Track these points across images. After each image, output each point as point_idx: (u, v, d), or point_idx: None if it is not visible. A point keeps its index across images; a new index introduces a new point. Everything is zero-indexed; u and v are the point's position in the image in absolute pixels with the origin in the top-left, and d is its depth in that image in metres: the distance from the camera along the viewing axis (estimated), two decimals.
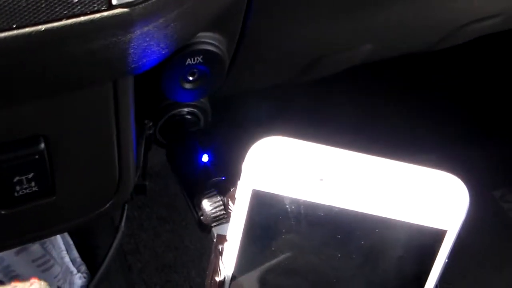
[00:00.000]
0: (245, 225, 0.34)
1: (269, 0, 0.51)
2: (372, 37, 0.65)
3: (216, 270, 0.35)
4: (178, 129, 0.59)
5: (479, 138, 1.25)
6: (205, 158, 0.55)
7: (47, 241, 0.74)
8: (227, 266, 0.35)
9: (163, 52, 0.39)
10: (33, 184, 0.43)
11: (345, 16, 0.59)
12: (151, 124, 0.57)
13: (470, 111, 1.27)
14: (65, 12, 0.31)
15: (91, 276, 0.70)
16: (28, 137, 0.41)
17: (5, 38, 0.30)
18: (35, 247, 0.75)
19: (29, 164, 0.42)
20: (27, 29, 0.30)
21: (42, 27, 0.30)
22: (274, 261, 0.35)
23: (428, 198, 0.32)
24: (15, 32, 0.30)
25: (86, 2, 0.31)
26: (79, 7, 0.31)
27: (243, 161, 0.33)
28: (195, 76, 0.52)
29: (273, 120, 0.63)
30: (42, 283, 0.31)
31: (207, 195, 0.50)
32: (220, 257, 0.36)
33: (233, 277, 0.35)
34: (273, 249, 0.34)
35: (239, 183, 0.33)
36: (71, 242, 0.74)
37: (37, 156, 0.42)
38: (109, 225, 0.80)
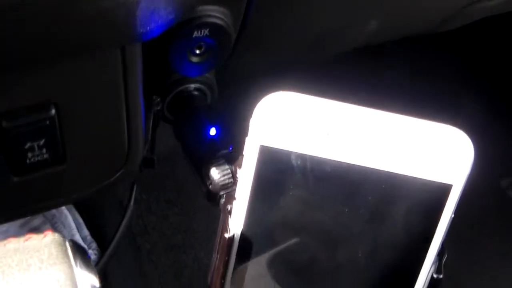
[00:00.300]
0: (253, 182, 0.34)
1: None
2: (376, 15, 0.65)
3: (225, 228, 0.36)
4: (186, 105, 0.59)
5: (485, 128, 1.25)
6: (212, 131, 0.56)
7: (58, 221, 0.75)
8: (236, 223, 0.36)
9: (170, 17, 0.39)
10: (44, 151, 0.44)
11: None
12: (159, 100, 0.58)
13: (482, 99, 1.27)
14: None
15: (102, 254, 0.71)
16: (39, 103, 0.42)
17: None
18: (46, 227, 0.76)
19: (40, 130, 0.43)
20: None
21: None
22: (282, 218, 0.35)
23: (434, 152, 0.33)
24: None
25: None
26: None
27: (250, 117, 0.33)
28: (202, 50, 0.53)
29: (279, 78, 0.63)
30: (56, 234, 0.31)
31: (215, 164, 0.50)
32: (229, 215, 0.36)
33: (242, 234, 0.36)
34: (281, 205, 0.35)
35: (246, 139, 0.34)
36: (81, 220, 0.74)
37: (48, 122, 0.42)
38: (117, 205, 0.81)
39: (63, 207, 0.74)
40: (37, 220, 0.75)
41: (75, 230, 0.73)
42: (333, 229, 0.35)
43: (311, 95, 0.34)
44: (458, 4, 0.70)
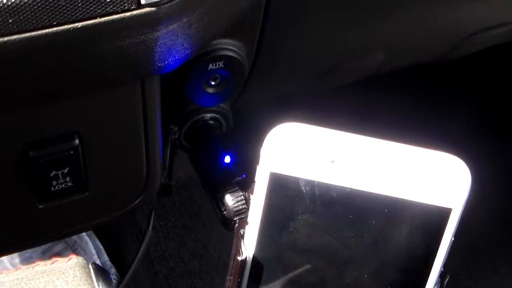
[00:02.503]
0: (264, 207, 0.37)
1: (285, 9, 0.54)
2: (383, 46, 0.68)
3: (238, 251, 0.38)
4: (202, 133, 0.62)
5: (492, 143, 1.26)
6: (227, 159, 0.58)
7: (78, 247, 0.78)
8: (248, 246, 0.38)
9: (186, 52, 0.42)
10: (68, 179, 0.46)
11: (357, 25, 0.62)
12: (176, 129, 0.61)
13: (487, 119, 1.28)
14: (99, 11, 0.34)
15: (121, 279, 0.73)
16: (63, 134, 0.44)
17: (47, 34, 0.33)
18: (67, 253, 0.78)
19: (64, 159, 0.45)
20: (65, 26, 0.34)
21: (79, 24, 0.34)
22: (291, 241, 0.37)
23: (433, 178, 0.35)
24: (55, 29, 0.33)
25: (118, 1, 0.34)
26: (111, 6, 0.34)
27: (261, 147, 0.36)
28: (217, 81, 0.55)
29: (288, 107, 0.65)
30: (80, 257, 0.34)
31: (229, 191, 0.53)
32: (242, 239, 0.38)
33: (254, 257, 0.38)
34: (290, 229, 0.37)
35: (258, 167, 0.36)
36: (101, 246, 0.77)
37: (72, 152, 0.45)
38: (136, 232, 0.83)
39: (84, 234, 0.76)
40: (58, 246, 0.78)
41: (95, 256, 0.75)
42: (339, 251, 0.37)
43: (317, 124, 0.36)
44: (463, 34, 0.72)
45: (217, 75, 0.55)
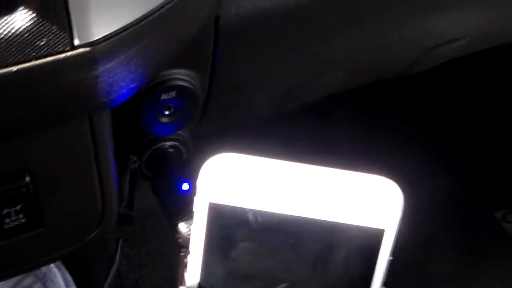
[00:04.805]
0: (205, 236, 0.37)
1: (236, 36, 0.55)
2: (341, 65, 0.69)
3: (181, 281, 0.39)
4: (162, 162, 0.63)
5: (478, 160, 1.28)
6: (185, 186, 0.59)
7: (48, 279, 0.78)
8: (192, 276, 0.39)
9: (131, 86, 0.43)
10: (21, 216, 0.47)
11: (313, 46, 0.63)
12: (136, 158, 0.61)
13: (465, 132, 1.30)
14: (33, 54, 0.35)
15: None
16: (14, 172, 0.45)
17: None
18: (38, 286, 0.78)
19: (16, 196, 0.45)
20: (1, 71, 0.34)
21: (14, 68, 0.35)
22: (234, 268, 0.38)
23: (366, 200, 0.36)
24: None
25: (51, 44, 0.35)
26: (45, 48, 0.35)
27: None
28: (171, 110, 0.56)
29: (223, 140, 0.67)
30: None
31: (183, 219, 0.53)
32: (185, 268, 0.39)
33: (199, 286, 0.39)
34: (232, 257, 0.38)
35: (195, 198, 0.37)
36: (70, 278, 0.77)
37: (24, 189, 0.46)
38: (107, 261, 0.83)
39: (53, 265, 0.76)
40: (28, 279, 0.78)
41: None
42: (281, 276, 0.38)
43: (255, 154, 0.37)
44: (422, 48, 0.74)
45: (170, 104, 0.56)
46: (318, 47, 0.63)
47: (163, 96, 0.54)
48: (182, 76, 0.55)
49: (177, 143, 0.63)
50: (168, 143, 0.63)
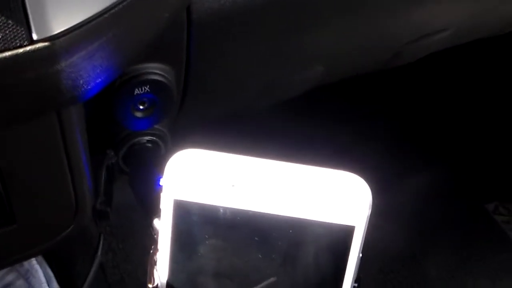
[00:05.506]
0: (171, 234, 0.37)
1: (210, 28, 0.55)
2: (322, 58, 0.68)
3: (150, 278, 0.38)
4: (140, 156, 0.62)
5: (469, 153, 1.28)
6: (162, 182, 0.58)
7: (30, 275, 0.77)
8: (160, 273, 0.38)
9: (97, 81, 0.42)
10: None
11: (292, 38, 0.62)
12: (112, 153, 0.61)
13: (460, 126, 1.30)
14: None
15: None
16: None
17: None
18: (20, 282, 0.77)
19: None
20: None
21: None
22: (202, 265, 0.37)
23: (335, 197, 0.35)
24: None
25: (9, 38, 0.34)
26: (2, 43, 0.34)
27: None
28: (145, 105, 0.56)
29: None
30: None
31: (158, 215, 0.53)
32: (155, 265, 0.38)
33: (167, 283, 0.38)
34: (199, 254, 0.37)
35: (161, 195, 0.36)
36: (51, 274, 0.76)
37: None
38: (91, 256, 0.82)
39: (34, 261, 0.76)
40: (10, 275, 0.77)
41: (45, 284, 0.74)
42: (250, 274, 0.37)
43: (226, 149, 0.36)
44: (403, 40, 0.73)
45: (144, 99, 0.55)
46: (297, 40, 0.63)
47: (136, 91, 0.54)
48: (155, 70, 0.54)
49: (155, 138, 0.62)
50: (146, 138, 0.62)
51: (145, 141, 0.62)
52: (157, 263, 0.38)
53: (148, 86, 0.54)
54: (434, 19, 0.72)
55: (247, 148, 0.41)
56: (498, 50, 1.22)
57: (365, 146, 1.19)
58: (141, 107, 0.56)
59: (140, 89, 0.53)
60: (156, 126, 0.61)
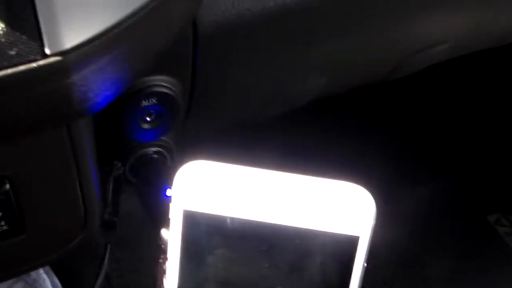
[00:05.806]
0: (181, 244, 0.38)
1: (216, 42, 0.56)
2: (325, 70, 0.69)
3: (159, 287, 0.39)
4: (146, 168, 0.63)
5: (472, 164, 1.29)
6: (169, 192, 0.59)
7: (38, 286, 0.78)
8: (170, 283, 0.39)
9: (107, 94, 0.43)
10: (3, 223, 0.47)
11: (296, 50, 0.63)
12: (120, 164, 0.62)
13: (463, 137, 1.31)
14: (4, 63, 0.35)
15: None
16: None
17: None
18: None
19: None
20: None
21: None
22: (211, 275, 0.38)
23: (340, 207, 0.36)
24: None
25: (23, 53, 0.35)
26: (16, 58, 0.35)
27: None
28: (152, 117, 0.57)
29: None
30: None
31: (167, 225, 0.53)
32: (165, 275, 0.39)
33: None
34: (208, 263, 0.38)
35: (170, 205, 0.37)
36: (58, 283, 0.77)
37: (3, 197, 0.46)
38: (96, 266, 0.83)
39: (41, 271, 0.76)
40: (18, 285, 0.78)
41: None
42: (256, 282, 0.38)
43: (230, 161, 0.37)
44: (404, 53, 0.74)
45: (151, 111, 0.56)
46: (301, 53, 0.64)
47: (144, 103, 0.55)
48: (162, 83, 0.55)
49: (161, 149, 0.63)
50: (152, 149, 0.63)
51: (151, 152, 0.63)
52: (166, 272, 0.39)
53: (155, 98, 0.55)
54: (435, 32, 0.73)
55: (252, 159, 0.42)
56: (499, 60, 1.23)
57: (368, 157, 1.20)
58: (148, 119, 0.57)
59: (147, 101, 0.54)
60: (162, 138, 0.62)
